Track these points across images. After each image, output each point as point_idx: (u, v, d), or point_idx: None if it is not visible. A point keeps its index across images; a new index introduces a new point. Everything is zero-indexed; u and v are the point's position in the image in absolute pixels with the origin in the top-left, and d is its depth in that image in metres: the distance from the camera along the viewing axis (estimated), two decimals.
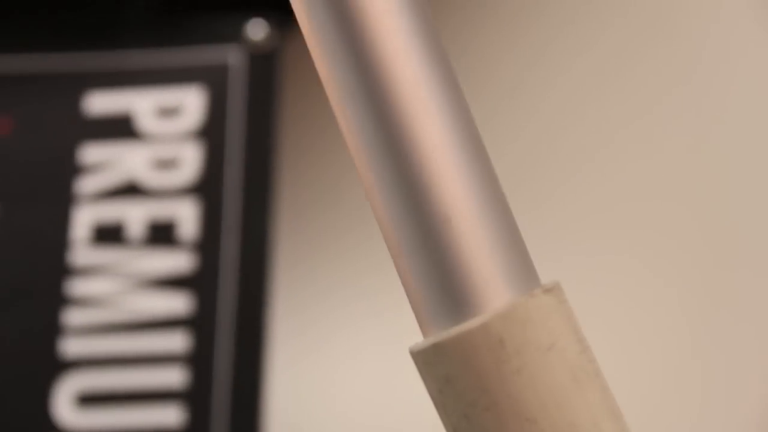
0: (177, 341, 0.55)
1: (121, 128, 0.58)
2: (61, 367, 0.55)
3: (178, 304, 0.55)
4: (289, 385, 0.62)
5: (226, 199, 0.57)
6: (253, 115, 0.56)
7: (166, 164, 0.58)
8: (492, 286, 0.12)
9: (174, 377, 0.54)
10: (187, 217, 0.57)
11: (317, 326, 0.69)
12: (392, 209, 0.12)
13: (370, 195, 0.12)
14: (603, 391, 0.12)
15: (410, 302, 0.13)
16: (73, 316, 0.56)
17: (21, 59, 0.58)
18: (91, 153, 0.58)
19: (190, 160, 0.57)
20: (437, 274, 0.12)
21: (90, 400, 0.54)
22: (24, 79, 0.58)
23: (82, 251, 0.57)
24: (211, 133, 0.57)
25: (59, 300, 0.56)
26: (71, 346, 0.55)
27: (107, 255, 0.57)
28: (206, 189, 0.57)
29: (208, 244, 0.56)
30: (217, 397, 0.53)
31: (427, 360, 0.12)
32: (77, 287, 0.56)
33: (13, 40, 0.59)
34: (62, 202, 0.57)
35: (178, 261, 0.56)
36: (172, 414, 0.53)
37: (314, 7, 0.12)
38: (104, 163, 0.58)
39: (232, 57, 0.57)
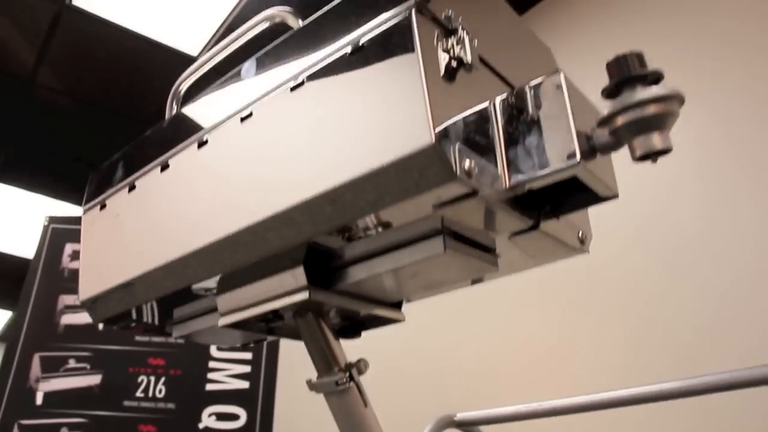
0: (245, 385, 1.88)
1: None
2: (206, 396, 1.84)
3: (244, 384, 1.88)
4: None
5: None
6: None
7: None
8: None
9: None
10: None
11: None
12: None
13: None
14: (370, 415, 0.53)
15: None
16: (209, 386, 1.87)
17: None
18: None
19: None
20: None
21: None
22: None
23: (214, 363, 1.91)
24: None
25: (204, 381, 1.88)
26: (210, 387, 1.87)
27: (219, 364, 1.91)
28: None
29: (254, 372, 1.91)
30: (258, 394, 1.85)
31: (312, 387, 0.54)
32: (212, 376, 1.88)
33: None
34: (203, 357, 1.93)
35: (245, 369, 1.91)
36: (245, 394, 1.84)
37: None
38: None
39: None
